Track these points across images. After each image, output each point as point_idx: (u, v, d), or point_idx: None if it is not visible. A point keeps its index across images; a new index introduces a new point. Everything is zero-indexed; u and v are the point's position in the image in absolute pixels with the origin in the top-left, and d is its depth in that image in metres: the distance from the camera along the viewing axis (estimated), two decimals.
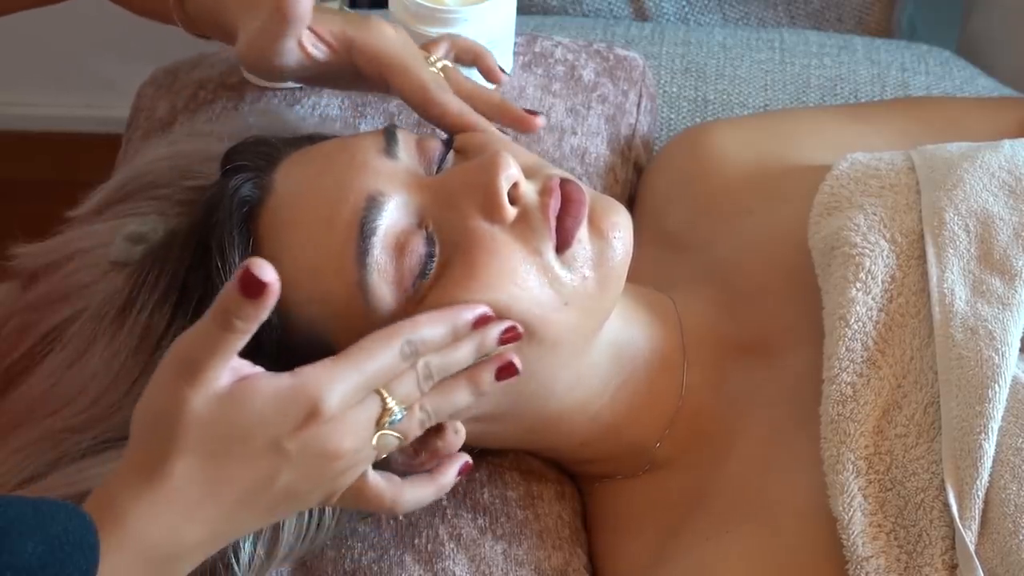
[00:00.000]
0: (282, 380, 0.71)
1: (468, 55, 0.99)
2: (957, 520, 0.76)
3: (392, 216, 0.79)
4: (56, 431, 0.81)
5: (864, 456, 0.80)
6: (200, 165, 0.89)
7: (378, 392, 0.73)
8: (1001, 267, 0.86)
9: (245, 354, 0.74)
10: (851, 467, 0.80)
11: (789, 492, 0.83)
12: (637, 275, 0.89)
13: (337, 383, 0.71)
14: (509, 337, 0.78)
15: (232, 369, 0.70)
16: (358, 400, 0.72)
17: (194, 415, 0.69)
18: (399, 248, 0.79)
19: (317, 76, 0.91)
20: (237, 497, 0.71)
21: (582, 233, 0.81)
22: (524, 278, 0.79)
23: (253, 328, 0.68)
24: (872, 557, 0.78)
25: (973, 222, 0.87)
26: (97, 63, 1.95)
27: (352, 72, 0.90)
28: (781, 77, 1.28)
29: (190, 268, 0.81)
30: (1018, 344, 0.82)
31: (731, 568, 0.82)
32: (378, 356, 0.73)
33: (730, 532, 0.83)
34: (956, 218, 0.87)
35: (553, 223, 0.81)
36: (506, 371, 0.79)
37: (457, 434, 0.83)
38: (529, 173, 0.83)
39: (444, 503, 0.89)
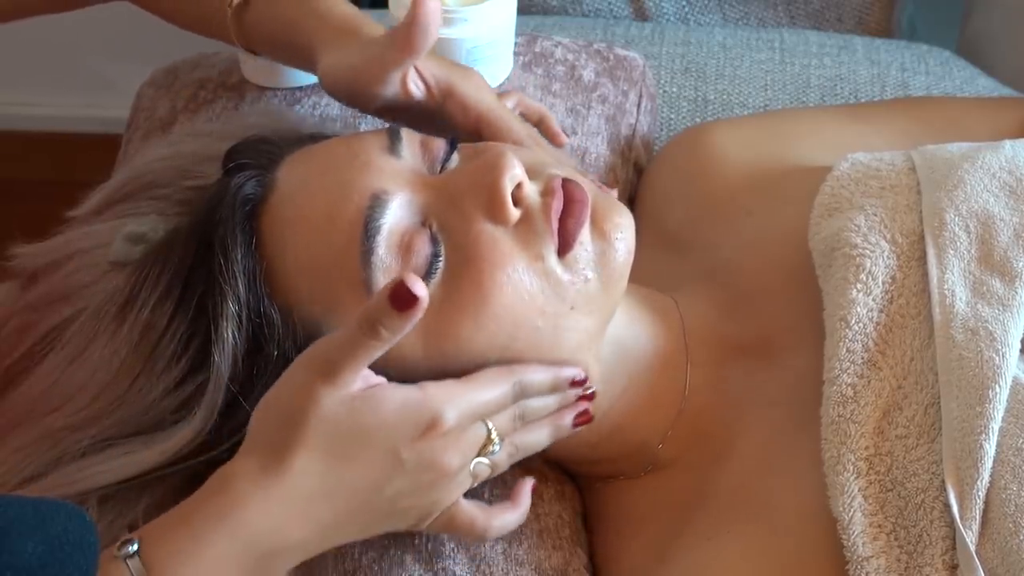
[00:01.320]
0: (409, 391, 0.75)
1: (534, 115, 1.01)
2: (958, 520, 0.76)
3: (396, 214, 0.79)
4: (56, 429, 0.81)
5: (865, 457, 0.80)
6: (200, 165, 0.89)
7: (484, 422, 0.78)
8: (1001, 268, 0.86)
9: (244, 354, 0.75)
10: (851, 468, 0.80)
11: (790, 492, 0.83)
12: (638, 275, 0.89)
13: (458, 402, 0.76)
14: (586, 398, 0.84)
15: (362, 377, 0.74)
16: (471, 423, 0.77)
17: (324, 413, 0.72)
18: (404, 247, 0.79)
19: (399, 110, 0.92)
20: (348, 499, 0.74)
21: (584, 235, 0.81)
22: (528, 289, 0.80)
23: (396, 339, 0.71)
24: (872, 557, 0.78)
25: (974, 223, 0.87)
26: (97, 63, 1.95)
27: (435, 115, 0.92)
28: (781, 77, 1.28)
29: (192, 266, 0.80)
30: (1018, 345, 0.82)
31: (732, 568, 0.82)
32: (497, 387, 0.78)
33: (731, 532, 0.83)
34: (957, 219, 0.87)
35: (555, 225, 0.81)
36: (583, 418, 0.84)
37: None
38: (532, 173, 0.83)
39: None
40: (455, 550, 0.86)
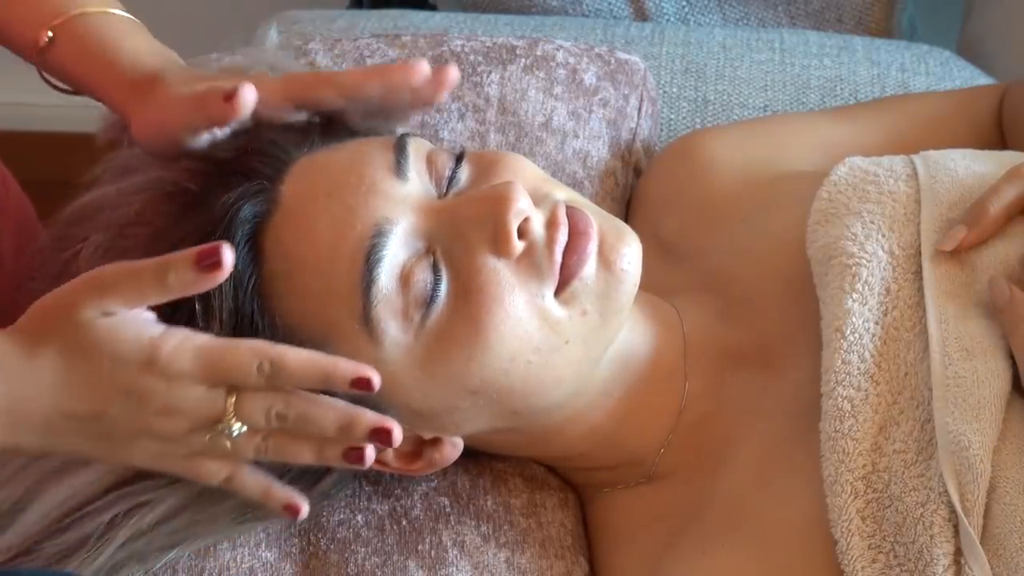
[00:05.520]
0: (151, 328, 0.74)
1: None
2: (969, 529, 0.75)
3: (398, 244, 0.79)
4: None
5: (862, 476, 0.79)
6: None
7: (227, 395, 0.75)
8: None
9: None
10: (849, 488, 0.79)
11: (786, 507, 0.83)
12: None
13: (183, 345, 0.74)
14: (379, 439, 0.76)
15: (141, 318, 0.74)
16: (195, 375, 0.74)
17: (76, 320, 0.73)
18: (404, 278, 0.79)
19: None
20: (75, 404, 0.74)
21: (588, 269, 0.81)
22: (526, 327, 0.80)
23: (177, 295, 0.73)
24: None
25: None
26: None
27: None
28: (781, 78, 1.28)
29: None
30: (1010, 362, 0.82)
31: None
32: (235, 352, 0.74)
33: (725, 546, 0.83)
34: None
35: (558, 259, 0.80)
36: (355, 458, 0.78)
37: (455, 447, 0.85)
38: (537, 199, 0.82)
39: (448, 509, 0.89)
40: (458, 557, 0.87)
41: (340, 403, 0.76)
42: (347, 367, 0.75)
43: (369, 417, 0.76)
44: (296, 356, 0.74)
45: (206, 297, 0.79)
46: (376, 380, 0.75)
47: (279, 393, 0.76)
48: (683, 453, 0.90)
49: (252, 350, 0.74)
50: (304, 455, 0.78)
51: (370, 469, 0.87)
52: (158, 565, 0.83)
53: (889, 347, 0.83)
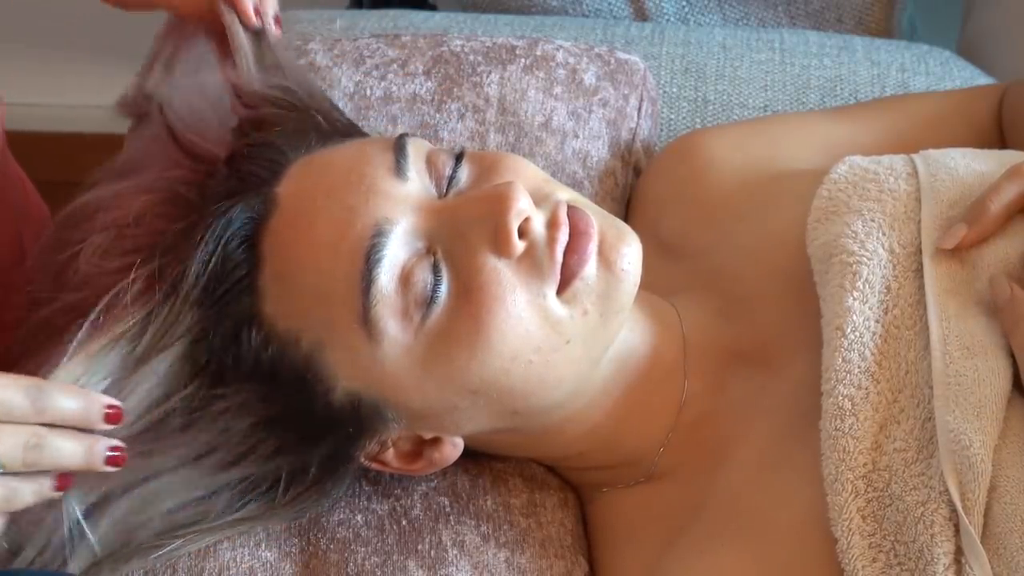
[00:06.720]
0: None
1: None
2: (970, 528, 0.75)
3: (398, 244, 0.79)
4: None
5: (863, 475, 0.79)
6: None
7: None
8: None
9: (241, 377, 0.80)
10: (849, 487, 0.79)
11: (786, 506, 0.83)
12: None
13: None
14: (113, 459, 0.75)
15: None
16: None
17: None
18: (404, 278, 0.79)
19: None
20: None
21: (589, 269, 0.81)
22: (527, 326, 0.80)
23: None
24: None
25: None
26: (98, 63, 1.94)
27: None
28: (781, 77, 1.28)
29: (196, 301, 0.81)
30: (1011, 361, 0.82)
31: None
32: (7, 388, 0.71)
33: (724, 544, 0.83)
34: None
35: (559, 259, 0.80)
36: (63, 482, 0.75)
37: (455, 447, 0.85)
38: (538, 199, 0.82)
39: (448, 509, 0.89)
40: (458, 556, 0.87)
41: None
42: (100, 400, 0.74)
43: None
44: (62, 389, 0.73)
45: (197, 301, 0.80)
46: (120, 406, 0.75)
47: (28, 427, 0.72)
48: (683, 452, 0.90)
49: (13, 381, 0.72)
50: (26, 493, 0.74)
51: (371, 469, 0.88)
52: (158, 554, 0.82)
53: (890, 345, 0.83)
